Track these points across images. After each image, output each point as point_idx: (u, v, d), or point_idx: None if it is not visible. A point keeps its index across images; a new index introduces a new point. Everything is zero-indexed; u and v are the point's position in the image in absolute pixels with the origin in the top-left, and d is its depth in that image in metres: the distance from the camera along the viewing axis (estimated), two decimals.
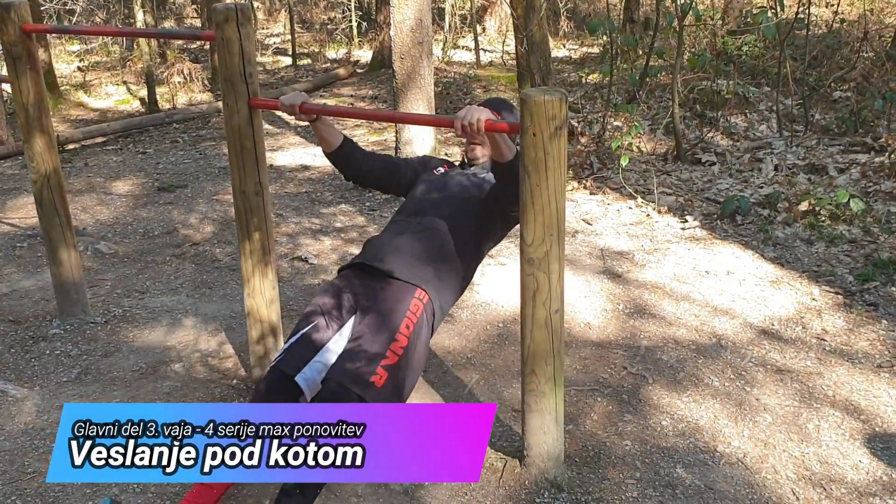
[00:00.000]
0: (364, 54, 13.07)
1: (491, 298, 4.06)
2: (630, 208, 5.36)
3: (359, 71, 11.71)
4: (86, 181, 6.45)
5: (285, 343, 2.64)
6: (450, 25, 12.65)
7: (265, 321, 3.17)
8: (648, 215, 5.19)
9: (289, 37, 13.95)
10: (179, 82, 11.42)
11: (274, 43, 15.73)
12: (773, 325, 3.72)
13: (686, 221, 5.02)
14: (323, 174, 6.33)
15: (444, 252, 2.77)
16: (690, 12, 5.68)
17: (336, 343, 2.60)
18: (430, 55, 5.17)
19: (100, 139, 8.10)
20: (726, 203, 5.02)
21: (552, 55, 8.24)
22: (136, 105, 10.37)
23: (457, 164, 3.21)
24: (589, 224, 5.04)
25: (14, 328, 3.84)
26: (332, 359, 2.53)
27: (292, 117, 2.91)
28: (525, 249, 2.42)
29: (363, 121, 7.63)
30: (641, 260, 4.51)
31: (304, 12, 18.26)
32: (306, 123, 2.97)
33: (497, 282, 4.26)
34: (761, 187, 5.50)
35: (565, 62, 11.33)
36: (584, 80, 9.25)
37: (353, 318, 2.63)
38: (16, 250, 4.88)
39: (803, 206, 4.92)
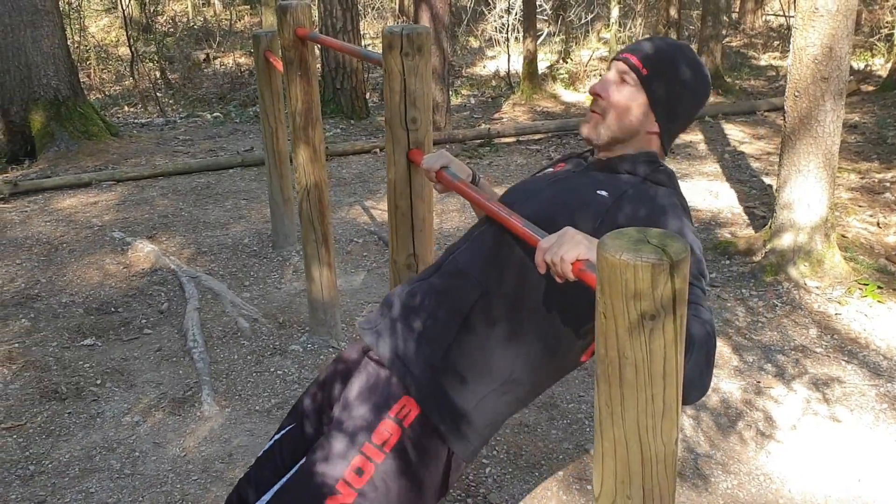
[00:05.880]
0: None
1: (778, 470, 2.75)
2: None
3: (865, 88, 9.67)
4: None
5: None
6: None
7: None
8: None
9: None
10: None
11: None
12: None
13: None
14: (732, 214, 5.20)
15: (479, 320, 1.66)
16: None
17: None
18: (838, 96, 3.71)
19: (536, 136, 7.94)
20: None
21: None
22: None
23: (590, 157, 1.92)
24: None
25: (271, 332, 3.79)
26: None
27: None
28: None
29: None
30: None
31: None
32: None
33: (807, 444, 2.89)
34: None
35: None
36: None
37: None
38: (350, 245, 4.91)
39: None
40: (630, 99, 1.74)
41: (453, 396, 1.63)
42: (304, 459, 1.71)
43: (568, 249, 1.41)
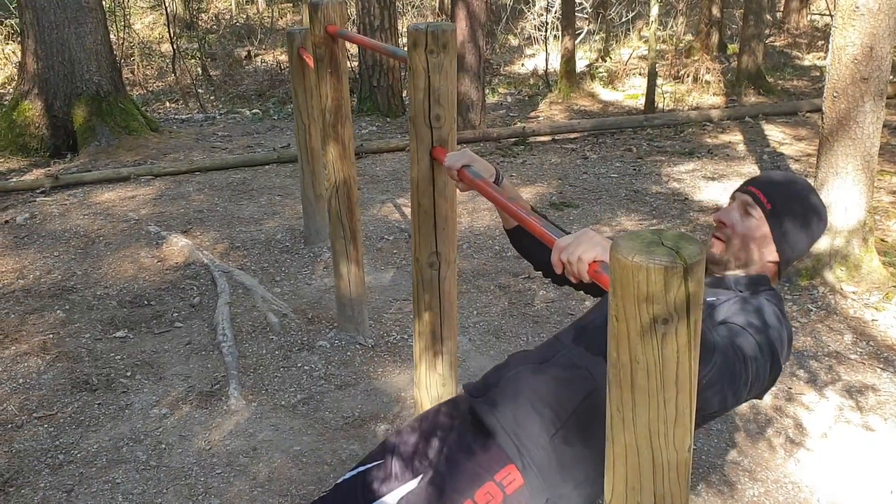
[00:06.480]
0: None
1: (807, 479, 2.69)
2: None
3: None
4: None
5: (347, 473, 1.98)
6: None
7: None
8: None
9: None
10: (707, 81, 10.67)
11: None
12: None
13: None
14: None
15: (588, 412, 1.72)
16: None
17: (391, 500, 1.84)
18: (878, 97, 3.61)
19: (572, 135, 7.88)
20: None
21: None
22: (642, 102, 9.93)
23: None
24: None
25: (300, 327, 3.81)
26: None
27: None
28: None
29: None
30: None
31: None
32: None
33: (838, 453, 2.82)
34: None
35: None
36: None
37: (417, 480, 1.84)
38: (380, 242, 4.92)
39: None
40: (754, 230, 1.81)
41: (554, 477, 1.71)
42: (389, 499, 1.79)
43: (585, 250, 1.39)
